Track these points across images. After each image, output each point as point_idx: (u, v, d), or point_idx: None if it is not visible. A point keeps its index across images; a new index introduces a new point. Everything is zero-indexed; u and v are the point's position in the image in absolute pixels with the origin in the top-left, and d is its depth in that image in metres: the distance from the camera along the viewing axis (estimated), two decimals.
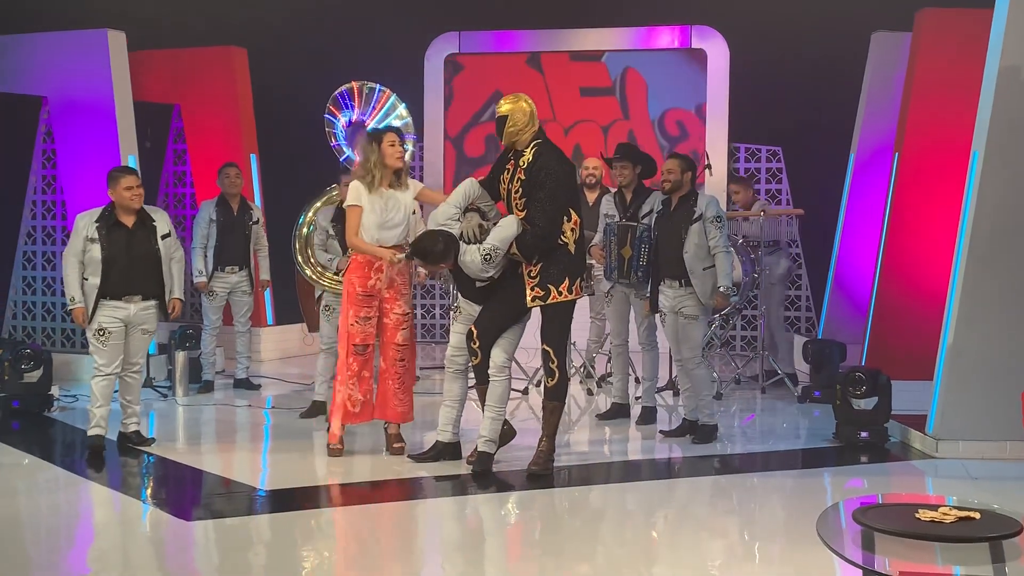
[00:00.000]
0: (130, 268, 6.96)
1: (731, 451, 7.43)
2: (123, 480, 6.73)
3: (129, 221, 7.01)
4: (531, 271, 6.41)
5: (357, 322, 6.84)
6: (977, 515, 3.53)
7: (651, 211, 7.65)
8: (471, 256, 6.35)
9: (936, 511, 3.52)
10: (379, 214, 6.76)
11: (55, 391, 8.51)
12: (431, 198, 7.07)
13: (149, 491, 6.52)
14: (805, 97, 11.43)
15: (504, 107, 6.49)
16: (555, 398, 6.59)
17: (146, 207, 7.10)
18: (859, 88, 10.50)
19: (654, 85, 12.52)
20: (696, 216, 7.26)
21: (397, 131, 6.90)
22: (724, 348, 10.63)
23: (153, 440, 7.31)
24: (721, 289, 7.27)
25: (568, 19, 12.37)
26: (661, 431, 7.75)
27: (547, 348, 6.50)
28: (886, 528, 3.42)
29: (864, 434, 7.30)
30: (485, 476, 6.48)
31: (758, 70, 11.75)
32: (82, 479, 6.63)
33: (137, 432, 7.22)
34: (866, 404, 7.34)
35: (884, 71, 10.07)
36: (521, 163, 6.42)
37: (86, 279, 6.93)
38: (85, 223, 6.97)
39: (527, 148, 6.43)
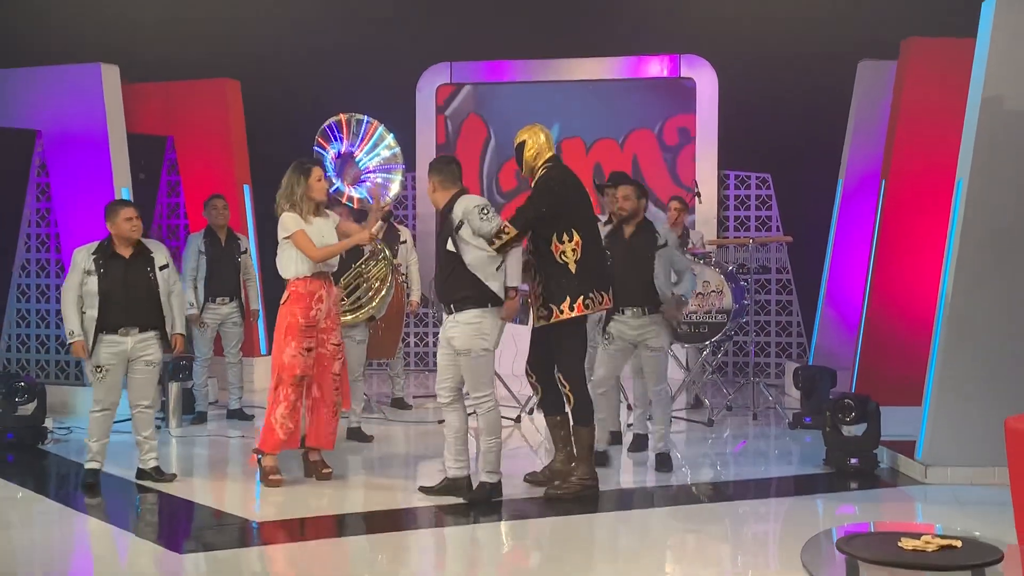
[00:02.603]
0: (126, 300, 6.95)
1: (723, 478, 7.47)
2: (116, 513, 6.74)
3: (127, 253, 7.03)
4: (535, 291, 6.65)
5: (300, 354, 6.93)
6: (959, 543, 3.57)
7: None
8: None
9: (919, 539, 3.57)
10: (317, 240, 6.95)
11: (49, 423, 8.53)
12: (349, 228, 7.26)
13: (142, 524, 6.55)
14: (794, 124, 11.54)
15: (521, 136, 6.81)
16: (581, 422, 6.71)
17: (144, 240, 7.13)
18: (847, 116, 10.61)
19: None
20: (662, 243, 7.39)
21: (322, 164, 7.14)
22: (716, 375, 10.67)
23: (174, 476, 7.27)
24: (683, 298, 7.44)
25: (559, 49, 12.47)
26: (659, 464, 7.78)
27: (558, 375, 6.62)
28: (869, 557, 3.47)
29: (854, 460, 7.34)
30: (483, 505, 6.50)
31: (747, 98, 11.85)
32: (76, 512, 6.65)
33: (157, 468, 7.21)
34: (855, 430, 7.38)
35: (871, 99, 10.18)
36: (533, 184, 6.74)
37: (84, 312, 6.93)
38: (83, 256, 6.98)
39: (540, 169, 6.72)
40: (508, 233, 6.46)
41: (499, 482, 6.62)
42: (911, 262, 8.60)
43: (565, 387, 6.69)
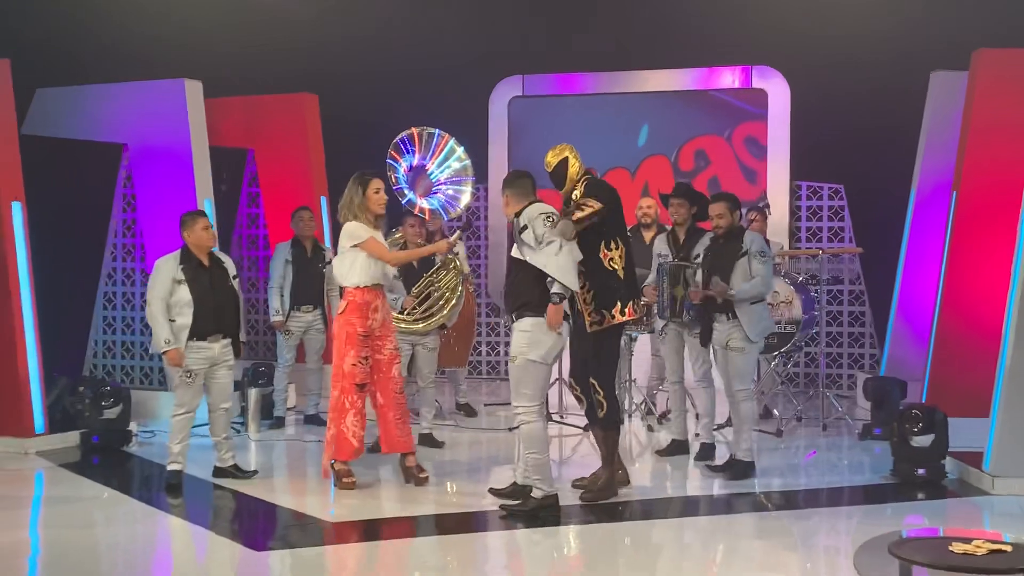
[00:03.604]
0: (216, 308, 7.27)
1: (791, 487, 7.50)
2: (197, 513, 6.98)
3: (206, 262, 7.33)
4: (585, 298, 6.77)
5: (359, 362, 7.11)
6: (1009, 548, 3.64)
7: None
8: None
9: (969, 544, 3.63)
10: None
11: (133, 427, 8.83)
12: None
13: (222, 523, 6.78)
14: (867, 135, 11.48)
15: (561, 153, 6.93)
16: (609, 427, 6.86)
17: (214, 251, 7.43)
18: (919, 126, 10.57)
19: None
20: (743, 252, 7.50)
21: (383, 177, 7.29)
22: (786, 386, 10.66)
23: (255, 472, 7.58)
24: (731, 290, 7.40)
25: (630, 61, 12.57)
26: (708, 465, 7.87)
27: (592, 381, 6.78)
28: (920, 560, 3.55)
29: (921, 471, 7.35)
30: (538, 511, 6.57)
31: (819, 109, 11.84)
32: (159, 512, 6.89)
33: (235, 466, 7.51)
34: (923, 441, 7.39)
35: (943, 110, 10.13)
36: (575, 197, 6.84)
37: (173, 320, 7.18)
38: (170, 266, 7.24)
39: (578, 185, 6.87)
40: (590, 207, 6.62)
41: (546, 496, 6.54)
42: (981, 274, 8.56)
43: (599, 393, 6.82)
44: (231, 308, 7.37)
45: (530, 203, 6.65)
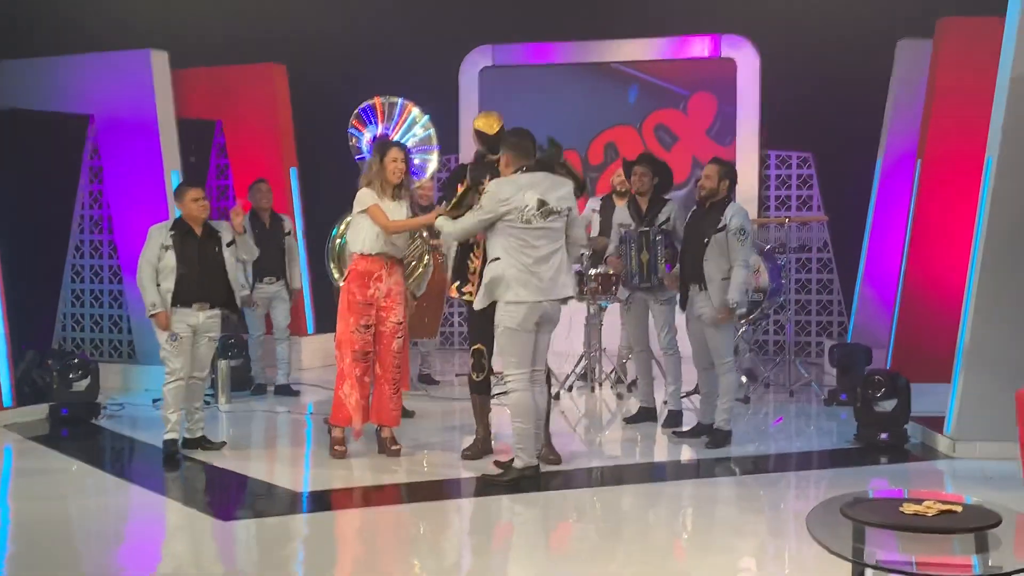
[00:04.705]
0: (201, 276, 7.26)
1: (757, 452, 7.58)
2: (167, 484, 6.99)
3: (198, 231, 7.33)
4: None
5: (357, 330, 7.11)
6: (959, 508, 3.71)
7: (668, 219, 7.91)
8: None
9: (919, 505, 3.70)
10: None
11: (102, 400, 8.82)
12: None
13: (192, 494, 6.80)
14: (835, 104, 11.52)
15: (498, 123, 7.04)
16: (483, 391, 7.10)
17: (210, 221, 7.41)
18: (886, 94, 10.62)
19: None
20: (721, 226, 7.35)
21: (403, 148, 7.23)
22: (753, 353, 10.75)
23: (223, 443, 7.59)
24: (729, 303, 7.31)
25: (599, 31, 12.57)
26: (674, 431, 7.94)
27: (482, 347, 6.88)
28: (871, 521, 3.61)
29: (884, 436, 7.45)
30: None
31: (788, 77, 11.88)
32: (129, 484, 6.92)
33: (204, 437, 7.52)
34: (886, 406, 7.48)
35: (909, 78, 10.18)
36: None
37: (159, 285, 7.19)
38: (159, 232, 7.27)
39: None
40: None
41: (527, 467, 6.51)
42: (945, 240, 8.64)
43: (485, 359, 6.96)
44: (219, 279, 7.35)
45: (518, 169, 6.46)
